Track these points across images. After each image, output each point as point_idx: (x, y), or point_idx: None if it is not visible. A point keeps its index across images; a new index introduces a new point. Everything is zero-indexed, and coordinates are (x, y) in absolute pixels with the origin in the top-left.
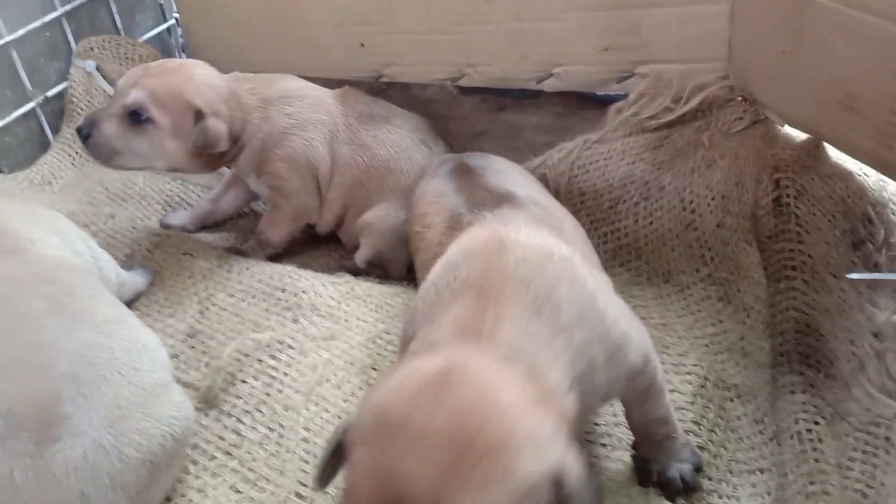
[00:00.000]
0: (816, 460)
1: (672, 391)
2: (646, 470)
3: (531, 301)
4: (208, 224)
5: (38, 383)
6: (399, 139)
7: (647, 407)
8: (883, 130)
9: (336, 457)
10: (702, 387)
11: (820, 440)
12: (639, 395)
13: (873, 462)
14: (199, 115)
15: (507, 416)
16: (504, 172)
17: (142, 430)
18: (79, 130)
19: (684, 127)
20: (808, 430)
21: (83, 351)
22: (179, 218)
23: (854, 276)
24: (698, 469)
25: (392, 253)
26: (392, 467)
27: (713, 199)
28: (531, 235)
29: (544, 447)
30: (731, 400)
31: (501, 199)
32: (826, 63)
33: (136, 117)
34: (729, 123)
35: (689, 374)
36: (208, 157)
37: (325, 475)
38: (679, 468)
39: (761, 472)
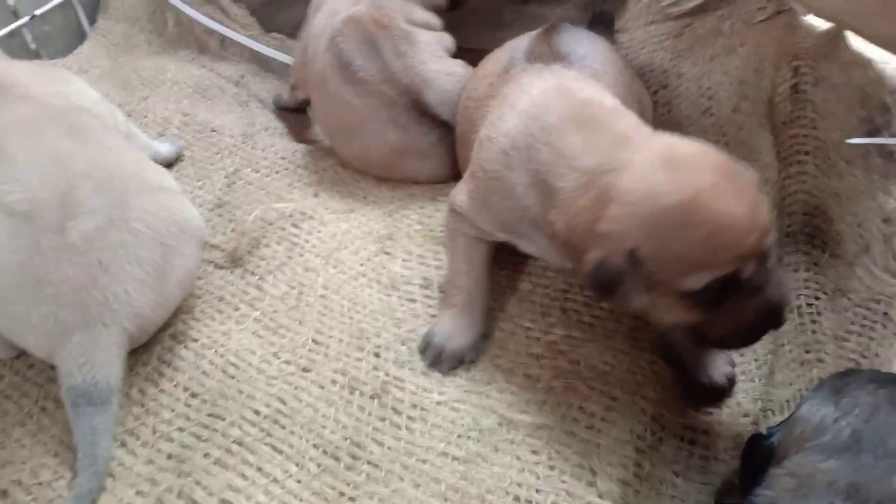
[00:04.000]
0: (814, 332)
1: None
2: (689, 377)
3: None
4: None
5: (57, 177)
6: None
7: None
8: None
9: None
10: None
11: (819, 314)
12: None
13: (870, 335)
14: None
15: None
16: (579, 40)
17: (147, 210)
18: None
19: (706, 15)
20: (809, 305)
21: (96, 159)
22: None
23: (854, 140)
24: (731, 380)
25: None
26: (720, 213)
27: (731, 84)
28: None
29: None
30: None
31: (557, 58)
32: None
33: None
34: (752, 13)
35: None
36: None
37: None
38: (721, 371)
39: None
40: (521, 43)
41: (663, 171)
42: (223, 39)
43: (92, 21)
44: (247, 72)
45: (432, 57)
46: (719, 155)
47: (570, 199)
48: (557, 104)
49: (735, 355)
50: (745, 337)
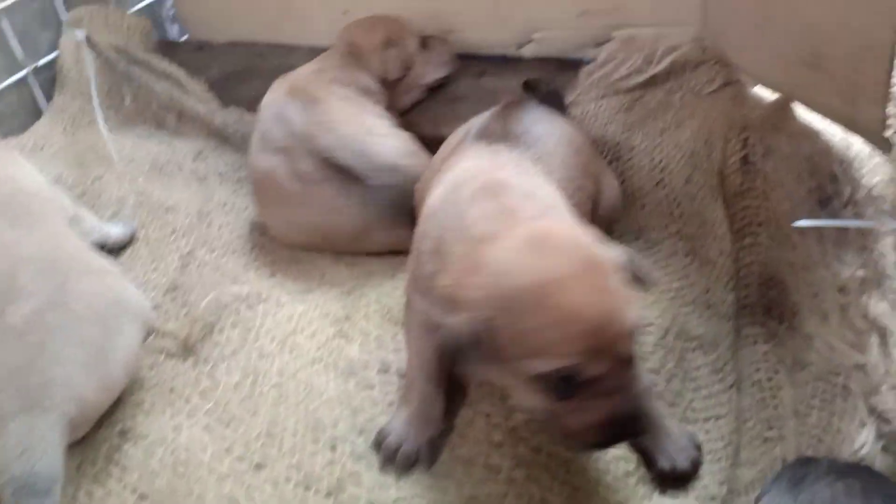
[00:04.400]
0: (775, 407)
1: None
2: (653, 461)
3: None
4: None
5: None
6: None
7: None
8: (847, 88)
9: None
10: (662, 338)
11: (779, 388)
12: None
13: (830, 409)
14: None
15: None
16: (537, 119)
17: (88, 291)
18: None
19: (656, 88)
20: (769, 379)
21: (40, 244)
22: None
23: (802, 223)
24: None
25: None
26: (571, 303)
27: (682, 157)
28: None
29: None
30: (693, 350)
31: (509, 137)
32: (794, 22)
33: None
34: (701, 85)
35: (650, 324)
36: None
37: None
38: (686, 454)
39: (717, 419)
40: (480, 118)
41: (527, 250)
42: (180, 114)
43: (49, 98)
44: (205, 146)
45: (344, 115)
46: (593, 248)
47: (453, 265)
48: (475, 179)
49: (701, 434)
50: (594, 437)
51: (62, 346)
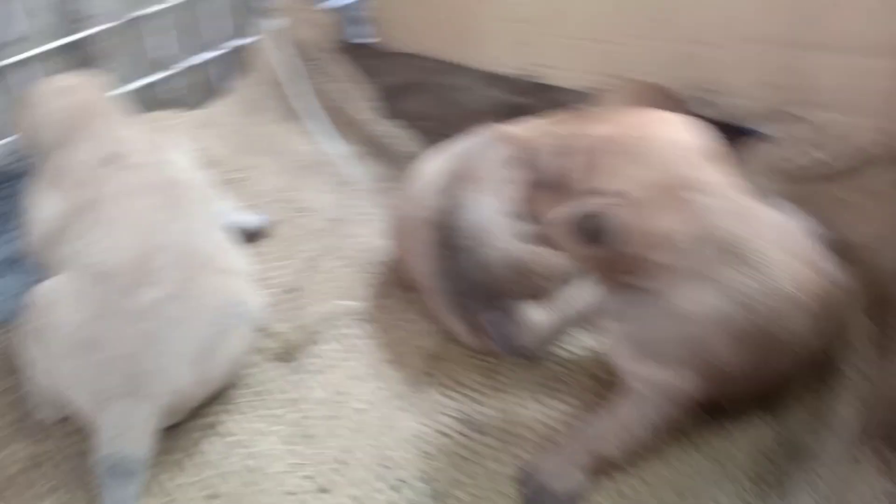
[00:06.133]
0: None
1: None
2: None
3: None
4: None
5: (141, 245)
6: None
7: None
8: None
9: None
10: None
11: None
12: None
13: None
14: None
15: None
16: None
17: (210, 289)
18: None
19: (831, 184)
20: None
21: (181, 233)
22: None
23: None
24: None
25: None
26: None
27: None
28: None
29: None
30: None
31: None
32: None
33: None
34: (883, 185)
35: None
36: None
37: None
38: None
39: None
40: None
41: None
42: (342, 116)
43: (221, 80)
44: (359, 153)
45: None
46: None
47: None
48: None
49: None
50: None
51: (174, 339)
